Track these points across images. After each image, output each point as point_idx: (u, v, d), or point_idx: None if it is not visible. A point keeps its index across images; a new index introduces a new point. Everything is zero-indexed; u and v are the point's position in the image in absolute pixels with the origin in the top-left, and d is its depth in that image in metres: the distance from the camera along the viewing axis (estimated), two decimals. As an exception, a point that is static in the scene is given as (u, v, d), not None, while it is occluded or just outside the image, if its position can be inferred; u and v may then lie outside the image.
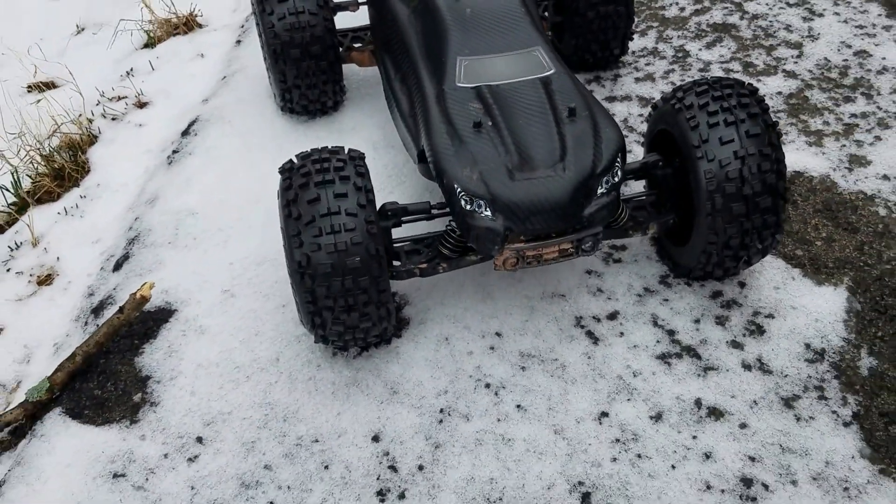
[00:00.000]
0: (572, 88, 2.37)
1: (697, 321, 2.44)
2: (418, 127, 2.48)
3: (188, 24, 3.92)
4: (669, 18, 3.65)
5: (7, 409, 2.38)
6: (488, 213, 2.13)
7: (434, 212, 2.34)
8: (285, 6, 2.85)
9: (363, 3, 3.12)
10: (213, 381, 2.36)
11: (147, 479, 2.15)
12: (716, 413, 2.21)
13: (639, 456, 2.13)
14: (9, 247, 2.96)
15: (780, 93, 3.20)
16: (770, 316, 2.43)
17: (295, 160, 2.21)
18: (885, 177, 2.82)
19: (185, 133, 3.26)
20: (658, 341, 2.39)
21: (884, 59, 3.30)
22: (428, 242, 2.39)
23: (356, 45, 3.16)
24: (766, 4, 3.65)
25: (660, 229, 2.46)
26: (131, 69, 3.72)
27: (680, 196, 2.40)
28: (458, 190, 2.16)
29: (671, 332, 2.41)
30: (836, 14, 3.55)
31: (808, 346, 2.35)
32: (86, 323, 2.62)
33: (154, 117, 3.41)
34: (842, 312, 2.43)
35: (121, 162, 3.22)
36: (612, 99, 3.25)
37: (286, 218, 2.10)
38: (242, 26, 3.85)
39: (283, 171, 2.20)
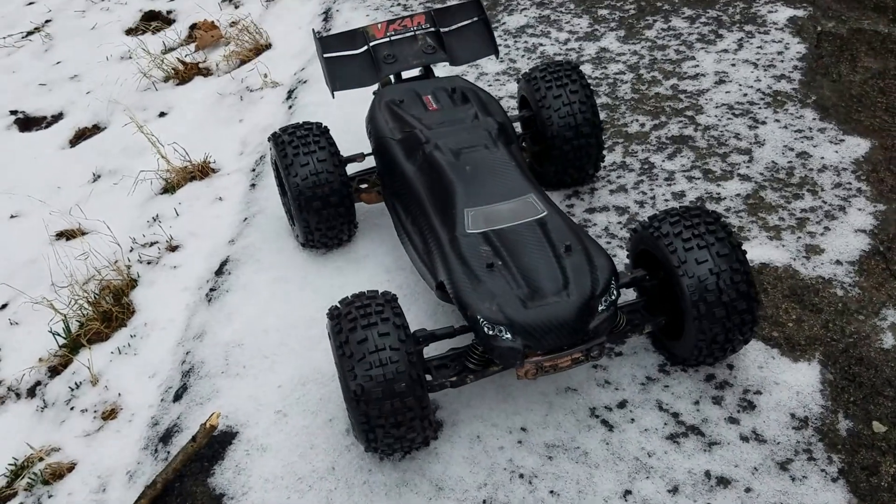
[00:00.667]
0: (564, 226, 2.81)
1: (697, 402, 2.81)
2: (435, 263, 2.90)
3: (203, 171, 4.34)
4: (632, 134, 4.15)
5: (96, 536, 2.66)
6: (509, 336, 2.53)
7: (457, 335, 2.72)
8: (307, 169, 3.31)
9: (368, 155, 3.58)
10: (281, 492, 2.66)
11: (236, 586, 2.43)
12: (724, 482, 2.57)
13: (662, 525, 2.47)
14: (69, 387, 3.26)
15: (738, 195, 3.67)
16: (758, 392, 2.82)
17: (340, 306, 2.61)
18: (838, 262, 3.27)
19: (218, 272, 3.63)
20: (665, 423, 2.75)
21: (822, 158, 3.81)
22: (453, 357, 2.76)
23: (363, 186, 3.59)
24: (716, 116, 4.17)
25: (654, 327, 2.86)
26: (157, 215, 4.10)
27: (667, 301, 2.81)
28: (481, 320, 2.55)
29: (675, 415, 2.78)
30: (777, 121, 4.08)
31: (793, 415, 2.73)
32: (155, 450, 2.92)
33: (186, 259, 3.78)
34: (817, 383, 2.83)
35: (163, 301, 3.57)
36: (591, 210, 3.70)
37: (340, 356, 2.49)
38: (254, 170, 4.28)
39: (332, 316, 2.59)
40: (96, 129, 5.23)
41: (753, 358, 2.94)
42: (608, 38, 5.04)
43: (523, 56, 4.95)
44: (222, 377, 3.10)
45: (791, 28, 4.80)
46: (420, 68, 3.84)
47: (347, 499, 2.63)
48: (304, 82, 4.92)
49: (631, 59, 4.79)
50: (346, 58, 3.75)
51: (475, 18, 3.88)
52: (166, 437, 2.95)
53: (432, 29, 3.83)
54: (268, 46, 5.56)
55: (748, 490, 2.54)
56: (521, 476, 2.65)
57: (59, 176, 4.79)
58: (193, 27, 6.16)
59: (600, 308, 2.60)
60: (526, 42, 5.10)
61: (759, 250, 3.37)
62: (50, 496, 2.90)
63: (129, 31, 6.44)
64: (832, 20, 4.79)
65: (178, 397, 3.09)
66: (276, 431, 2.86)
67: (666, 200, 3.68)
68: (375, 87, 3.96)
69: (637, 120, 4.25)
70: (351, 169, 3.85)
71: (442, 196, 2.99)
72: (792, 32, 4.76)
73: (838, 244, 3.35)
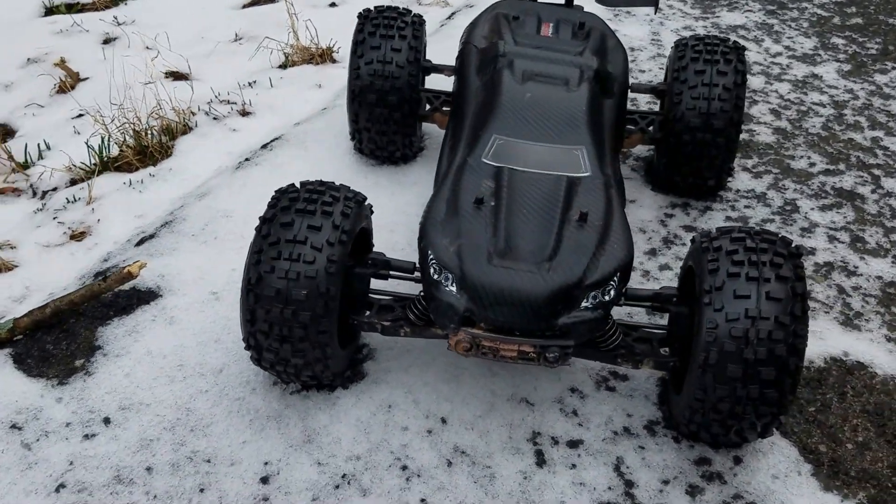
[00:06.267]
0: (599, 197, 2.20)
1: (666, 482, 2.12)
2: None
3: (323, 56, 4.06)
4: (794, 169, 3.34)
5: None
6: (453, 288, 1.99)
7: (416, 273, 2.21)
8: (375, 53, 2.89)
9: None
10: (152, 371, 2.32)
11: (38, 440, 2.12)
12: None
13: None
14: (66, 199, 3.11)
15: (879, 277, 2.81)
16: (751, 505, 2.08)
17: (296, 185, 2.17)
18: (963, 400, 2.37)
19: (264, 146, 3.33)
20: (609, 488, 2.09)
21: None
22: (400, 301, 2.27)
23: (445, 109, 3.09)
24: (906, 184, 3.26)
25: (656, 367, 2.18)
26: (255, 80, 3.88)
27: (686, 340, 2.13)
28: (431, 257, 2.04)
29: (629, 484, 2.10)
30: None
31: (781, 555, 1.98)
32: (85, 283, 2.68)
33: (250, 127, 3.51)
34: (839, 530, 2.03)
35: (202, 155, 3.33)
36: (689, 228, 2.99)
37: (256, 233, 2.07)
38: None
39: (278, 192, 2.16)
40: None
41: (773, 462, 2.17)
42: (827, 66, 4.16)
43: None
44: (190, 239, 2.80)
45: None
46: None
47: (209, 407, 2.23)
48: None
49: (842, 95, 3.90)
50: None
51: None
52: (102, 274, 2.70)
53: None
54: None
55: None
56: (404, 468, 2.11)
57: (204, 31, 4.64)
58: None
59: (584, 304, 1.98)
60: (732, 42, 4.33)
61: (865, 346, 2.54)
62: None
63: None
64: None
65: (140, 242, 2.83)
66: (197, 311, 2.52)
67: (783, 250, 2.89)
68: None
69: (808, 157, 3.43)
70: (442, 85, 3.36)
71: (483, 116, 2.47)
72: None
73: (977, 380, 2.44)
